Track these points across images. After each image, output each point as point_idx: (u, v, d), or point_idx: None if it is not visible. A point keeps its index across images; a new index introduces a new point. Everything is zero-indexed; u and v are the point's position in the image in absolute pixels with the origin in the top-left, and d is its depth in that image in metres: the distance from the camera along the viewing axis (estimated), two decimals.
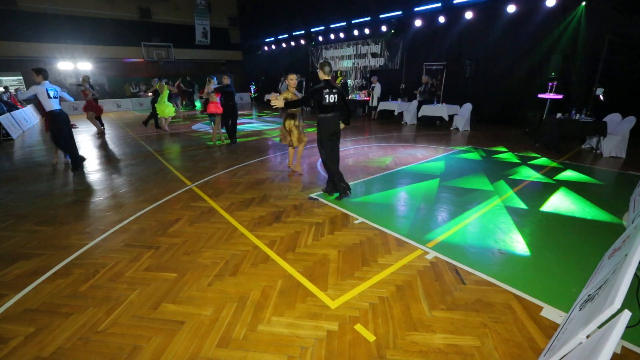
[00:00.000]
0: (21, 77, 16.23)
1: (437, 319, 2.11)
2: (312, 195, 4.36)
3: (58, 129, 5.60)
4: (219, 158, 6.63)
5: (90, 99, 9.20)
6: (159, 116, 9.99)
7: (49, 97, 5.36)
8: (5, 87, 13.01)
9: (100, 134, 9.71)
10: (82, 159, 6.08)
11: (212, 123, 7.95)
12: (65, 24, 16.46)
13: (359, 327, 2.06)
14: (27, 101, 13.48)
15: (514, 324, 2.06)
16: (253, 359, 1.84)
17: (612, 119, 6.62)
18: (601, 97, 7.11)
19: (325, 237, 3.25)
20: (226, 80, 7.30)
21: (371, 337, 1.98)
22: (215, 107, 7.50)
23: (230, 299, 2.36)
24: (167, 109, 9.76)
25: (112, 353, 1.90)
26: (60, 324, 2.14)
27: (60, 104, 5.61)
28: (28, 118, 12.14)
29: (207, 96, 7.67)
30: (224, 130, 8.21)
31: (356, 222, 3.58)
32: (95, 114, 9.56)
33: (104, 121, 10.14)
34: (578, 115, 6.59)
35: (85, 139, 9.11)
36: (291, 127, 5.00)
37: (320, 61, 4.11)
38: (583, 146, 7.05)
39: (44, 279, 2.63)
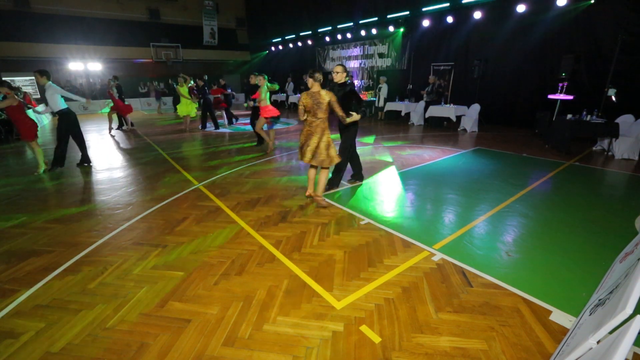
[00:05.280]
0: (33, 78, 16.52)
1: (444, 322, 2.10)
2: None
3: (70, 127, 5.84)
4: (226, 158, 6.67)
5: (117, 99, 9.96)
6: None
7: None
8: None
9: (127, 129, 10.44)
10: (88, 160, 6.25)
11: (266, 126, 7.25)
12: (76, 25, 16.70)
13: (364, 328, 2.05)
14: (39, 101, 13.80)
15: (522, 327, 2.03)
16: (258, 358, 1.85)
17: (625, 120, 6.50)
18: (613, 98, 6.97)
19: (331, 237, 3.25)
20: (254, 80, 6.85)
21: (377, 339, 1.97)
22: (271, 110, 6.71)
23: (236, 298, 2.37)
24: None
25: (119, 349, 1.93)
26: (69, 320, 2.17)
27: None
28: (40, 117, 12.36)
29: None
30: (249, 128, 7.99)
31: (362, 222, 3.56)
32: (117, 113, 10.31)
33: (113, 119, 10.63)
34: (589, 116, 6.48)
35: (97, 138, 9.26)
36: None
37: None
38: (594, 148, 6.92)
39: (54, 276, 2.68)
